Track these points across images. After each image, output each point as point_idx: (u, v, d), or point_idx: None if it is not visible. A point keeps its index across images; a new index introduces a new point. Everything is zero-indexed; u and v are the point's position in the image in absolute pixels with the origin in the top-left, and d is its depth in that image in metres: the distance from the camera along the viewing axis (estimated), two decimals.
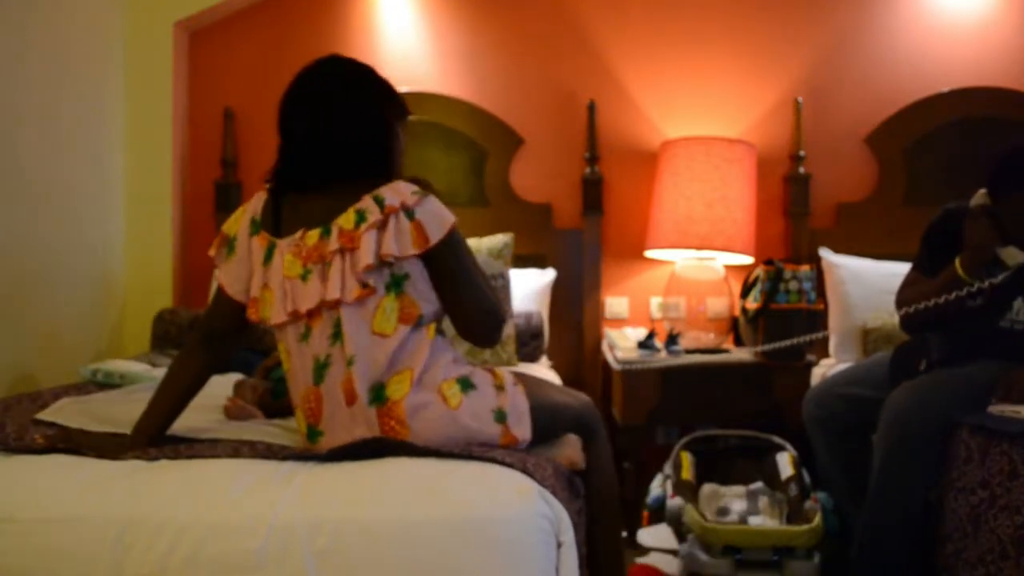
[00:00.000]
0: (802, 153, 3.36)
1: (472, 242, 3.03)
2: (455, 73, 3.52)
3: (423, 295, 1.69)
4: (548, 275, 3.32)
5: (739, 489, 2.53)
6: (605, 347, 3.33)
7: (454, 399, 1.66)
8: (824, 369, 3.02)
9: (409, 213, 1.64)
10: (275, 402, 2.06)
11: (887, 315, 2.86)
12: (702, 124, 3.42)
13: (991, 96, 3.32)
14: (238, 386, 2.11)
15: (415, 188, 1.69)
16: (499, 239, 3.05)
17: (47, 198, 2.91)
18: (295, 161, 1.73)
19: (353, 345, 1.63)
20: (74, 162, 3.08)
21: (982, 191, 2.16)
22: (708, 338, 3.22)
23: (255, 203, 1.77)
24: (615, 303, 3.47)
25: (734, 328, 3.28)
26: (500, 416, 1.70)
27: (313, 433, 1.69)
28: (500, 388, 1.74)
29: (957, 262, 2.15)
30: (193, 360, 1.78)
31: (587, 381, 3.36)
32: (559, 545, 1.47)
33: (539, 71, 3.50)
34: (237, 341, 1.85)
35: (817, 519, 2.28)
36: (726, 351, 3.13)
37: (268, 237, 1.71)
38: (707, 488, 2.55)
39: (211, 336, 1.79)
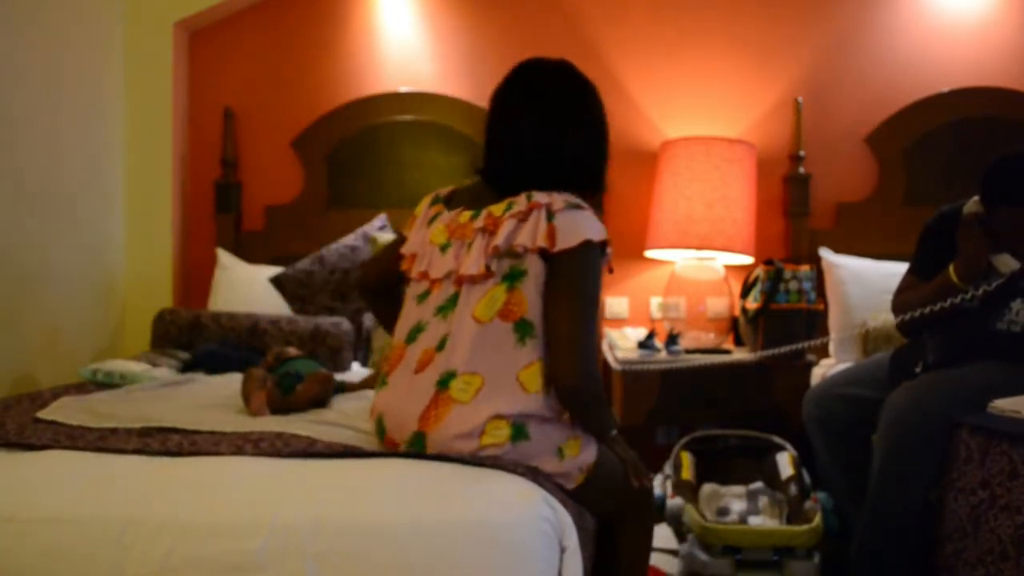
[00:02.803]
0: (802, 153, 3.36)
1: None
2: (455, 73, 3.52)
3: (534, 302, 1.64)
4: None
5: (739, 489, 2.53)
6: (605, 347, 3.33)
7: (495, 439, 1.58)
8: (824, 369, 3.01)
9: (550, 215, 1.64)
10: (284, 398, 2.06)
11: (885, 314, 2.86)
12: (702, 124, 3.42)
13: (991, 96, 3.32)
14: (247, 377, 2.11)
15: (572, 200, 1.68)
16: None
17: (47, 198, 2.91)
18: (497, 167, 1.77)
19: (454, 324, 1.64)
20: (74, 162, 3.08)
21: (975, 199, 2.16)
22: (708, 338, 3.22)
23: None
24: (615, 303, 3.47)
25: (734, 328, 3.28)
26: (560, 451, 1.63)
27: (382, 381, 1.75)
28: (565, 455, 1.64)
29: (951, 269, 2.16)
30: (376, 303, 1.99)
31: None
32: (563, 550, 1.47)
33: None
34: (393, 295, 1.94)
35: (817, 519, 2.28)
36: (726, 351, 3.13)
37: (440, 207, 1.81)
38: (707, 488, 2.55)
39: (366, 290, 1.99)
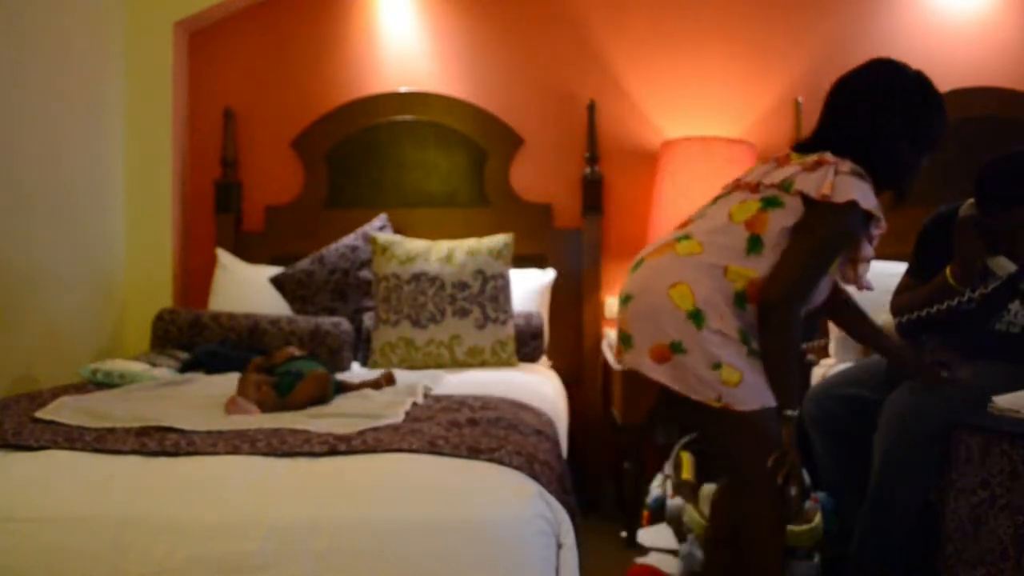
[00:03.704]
0: None
1: (472, 242, 3.03)
2: (455, 73, 3.52)
3: (773, 229, 1.83)
4: (548, 275, 3.31)
5: None
6: (605, 347, 3.33)
7: (678, 303, 1.77)
8: (824, 369, 3.01)
9: (835, 172, 1.83)
10: (279, 400, 2.06)
11: (885, 315, 2.85)
12: (702, 124, 3.42)
13: (991, 96, 3.32)
14: (242, 381, 2.12)
15: (859, 169, 1.85)
16: (499, 239, 3.05)
17: (47, 198, 2.91)
18: (821, 137, 1.97)
19: (715, 208, 1.93)
20: (74, 162, 3.08)
21: (970, 201, 2.16)
22: None
23: None
24: (615, 303, 3.46)
25: None
26: (717, 366, 1.75)
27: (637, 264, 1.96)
28: (720, 370, 1.76)
29: (948, 272, 2.16)
30: None
31: (587, 381, 3.36)
32: (560, 547, 1.47)
33: (539, 71, 3.50)
34: None
35: (817, 519, 2.28)
36: None
37: None
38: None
39: None
